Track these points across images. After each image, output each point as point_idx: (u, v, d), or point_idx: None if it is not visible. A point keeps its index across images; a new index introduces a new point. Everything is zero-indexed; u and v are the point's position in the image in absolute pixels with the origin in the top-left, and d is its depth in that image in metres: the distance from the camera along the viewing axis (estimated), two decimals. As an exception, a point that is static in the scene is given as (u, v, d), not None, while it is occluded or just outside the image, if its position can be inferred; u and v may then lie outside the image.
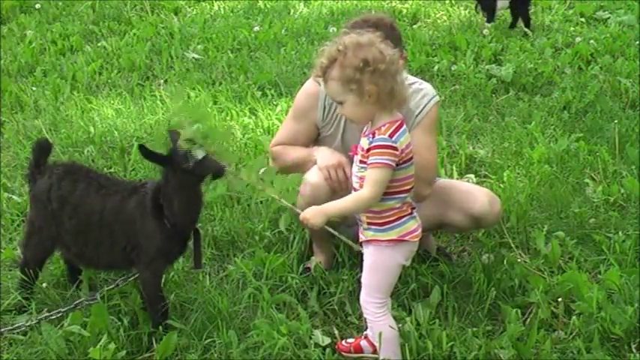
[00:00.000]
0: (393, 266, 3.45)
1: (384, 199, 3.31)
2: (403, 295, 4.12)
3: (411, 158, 3.33)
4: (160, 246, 3.83)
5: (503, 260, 4.37)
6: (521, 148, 5.84)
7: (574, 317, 3.88)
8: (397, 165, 3.25)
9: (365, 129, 3.38)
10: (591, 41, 8.33)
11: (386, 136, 3.22)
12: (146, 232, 3.82)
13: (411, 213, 3.41)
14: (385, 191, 3.29)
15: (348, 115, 3.37)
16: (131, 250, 3.88)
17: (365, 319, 3.63)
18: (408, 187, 3.36)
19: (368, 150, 3.26)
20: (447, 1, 10.13)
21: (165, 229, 3.79)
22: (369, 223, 3.40)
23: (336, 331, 3.97)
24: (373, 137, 3.25)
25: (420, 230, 3.44)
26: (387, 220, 3.35)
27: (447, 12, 9.83)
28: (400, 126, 3.28)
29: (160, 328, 3.84)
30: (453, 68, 7.67)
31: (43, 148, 4.14)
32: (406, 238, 3.37)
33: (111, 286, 4.16)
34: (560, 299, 4.00)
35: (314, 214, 3.35)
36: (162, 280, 4.04)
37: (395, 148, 3.22)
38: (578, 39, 8.46)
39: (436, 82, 7.28)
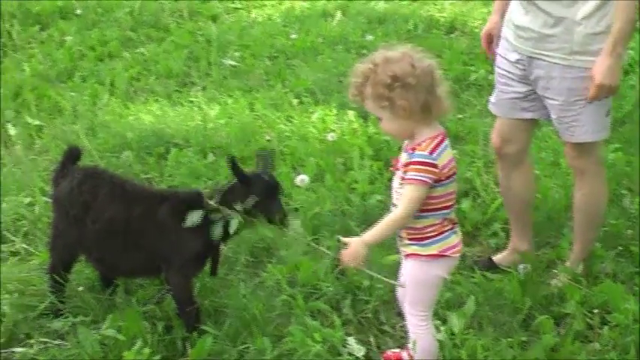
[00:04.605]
0: (434, 280, 3.44)
1: (423, 215, 3.28)
2: (438, 304, 4.10)
3: (453, 174, 3.29)
4: (196, 253, 3.86)
5: (539, 270, 4.35)
6: (557, 158, 5.80)
7: (609, 329, 3.85)
8: (437, 182, 3.21)
9: (406, 144, 3.35)
10: (630, 51, 8.26)
11: (426, 152, 3.18)
12: (182, 240, 3.84)
13: (452, 228, 3.38)
14: (425, 208, 3.25)
15: (387, 132, 3.36)
16: (158, 257, 3.91)
17: (404, 329, 3.63)
18: (449, 204, 3.32)
19: (407, 165, 3.23)
20: (485, 10, 10.08)
21: (204, 236, 3.81)
22: (410, 239, 3.37)
23: (372, 339, 3.97)
24: (413, 152, 3.22)
25: (461, 246, 3.43)
26: (428, 235, 3.32)
27: (484, 21, 9.76)
28: (441, 141, 3.23)
29: (195, 333, 3.86)
30: (490, 77, 7.63)
31: (72, 154, 4.18)
32: (447, 253, 3.35)
33: (152, 302, 4.18)
34: (595, 310, 3.97)
35: (355, 251, 3.30)
36: (195, 286, 4.07)
37: (434, 166, 3.17)
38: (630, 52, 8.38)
39: (473, 92, 7.26)
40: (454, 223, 3.41)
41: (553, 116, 4.09)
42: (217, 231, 3.79)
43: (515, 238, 4.59)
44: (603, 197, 4.36)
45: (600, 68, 3.78)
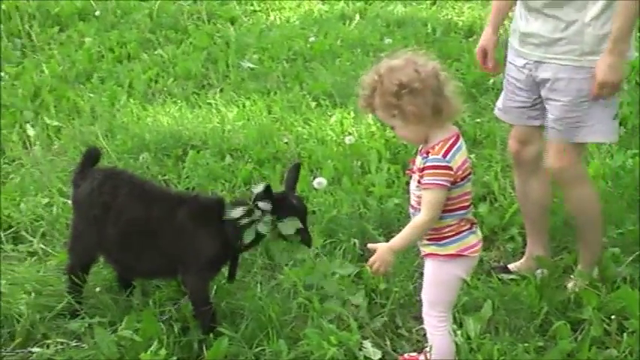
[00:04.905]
0: (453, 280, 3.45)
1: (441, 216, 3.28)
2: (454, 308, 4.09)
3: (468, 175, 3.29)
4: (213, 256, 3.88)
5: (556, 275, 4.34)
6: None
7: (627, 335, 3.84)
8: (453, 184, 3.22)
9: (420, 147, 3.36)
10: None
11: (439, 155, 3.19)
12: (199, 243, 3.85)
13: (471, 228, 3.39)
14: (442, 209, 3.26)
15: (402, 139, 3.36)
16: (176, 259, 3.92)
17: (421, 332, 3.62)
18: (466, 205, 3.33)
19: (422, 169, 3.24)
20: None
21: (222, 241, 3.82)
22: (428, 239, 3.38)
23: (388, 342, 3.97)
24: (427, 156, 3.23)
25: (480, 245, 3.43)
26: (446, 235, 3.33)
27: (503, 26, 9.73)
28: (454, 143, 3.23)
29: (211, 335, 3.87)
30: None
31: (90, 156, 4.20)
32: (465, 252, 3.35)
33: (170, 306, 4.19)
34: (613, 316, 3.96)
35: (382, 257, 3.32)
36: (212, 287, 4.07)
37: (449, 168, 3.18)
38: (635, 54, 8.32)
39: (491, 96, 7.22)
40: (472, 224, 3.42)
41: (551, 116, 4.05)
42: (249, 235, 3.82)
43: (531, 244, 4.57)
44: (594, 197, 4.33)
45: (602, 66, 3.80)
